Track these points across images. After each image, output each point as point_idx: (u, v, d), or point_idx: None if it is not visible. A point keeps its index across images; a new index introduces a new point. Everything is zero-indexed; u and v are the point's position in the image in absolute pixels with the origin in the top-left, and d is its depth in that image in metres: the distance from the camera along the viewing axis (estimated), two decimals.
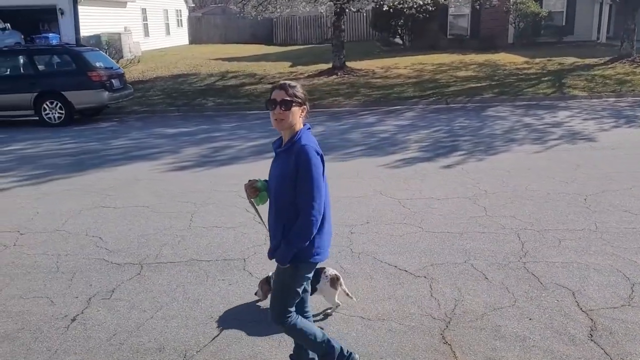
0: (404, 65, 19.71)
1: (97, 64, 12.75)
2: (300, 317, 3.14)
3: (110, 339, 3.87)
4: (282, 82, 2.94)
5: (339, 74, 18.19)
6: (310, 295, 3.75)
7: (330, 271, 4.01)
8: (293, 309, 3.07)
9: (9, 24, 21.43)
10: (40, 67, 12.73)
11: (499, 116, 11.71)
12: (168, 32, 33.98)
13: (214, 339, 3.81)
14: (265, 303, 4.16)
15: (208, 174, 8.09)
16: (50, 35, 23.21)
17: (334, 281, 3.97)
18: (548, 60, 18.92)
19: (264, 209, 3.09)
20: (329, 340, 3.22)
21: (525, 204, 6.16)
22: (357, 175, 7.60)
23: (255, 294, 4.29)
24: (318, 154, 2.85)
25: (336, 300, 4.05)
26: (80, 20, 24.45)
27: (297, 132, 2.90)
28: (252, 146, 9.78)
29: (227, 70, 20.57)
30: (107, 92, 12.54)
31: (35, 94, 12.21)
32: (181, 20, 36.71)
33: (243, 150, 9.45)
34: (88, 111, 13.07)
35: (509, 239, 5.22)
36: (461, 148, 8.90)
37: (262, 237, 5.52)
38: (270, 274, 4.10)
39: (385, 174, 7.61)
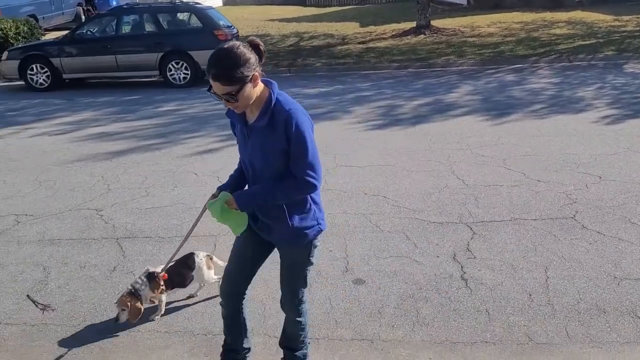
0: (486, 24, 19.20)
1: (221, 22, 12.25)
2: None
3: (529, 301, 3.68)
4: (213, 60, 2.28)
5: (427, 33, 17.70)
6: (185, 287, 3.77)
7: (201, 254, 3.82)
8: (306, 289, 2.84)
9: None
10: (165, 26, 12.22)
11: None
12: None
13: None
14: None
15: (415, 131, 7.81)
16: None
17: (209, 259, 3.84)
18: (637, 17, 18.42)
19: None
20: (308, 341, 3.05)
21: None
22: (577, 133, 7.32)
23: (116, 320, 3.41)
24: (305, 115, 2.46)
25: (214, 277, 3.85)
26: None
27: (269, 97, 2.41)
28: (423, 104, 9.47)
29: (297, 31, 20.04)
30: None
31: (162, 54, 11.75)
32: None
33: (418, 109, 9.13)
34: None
35: None
36: None
37: (560, 194, 5.31)
38: (130, 286, 3.46)
39: (609, 131, 7.33)
